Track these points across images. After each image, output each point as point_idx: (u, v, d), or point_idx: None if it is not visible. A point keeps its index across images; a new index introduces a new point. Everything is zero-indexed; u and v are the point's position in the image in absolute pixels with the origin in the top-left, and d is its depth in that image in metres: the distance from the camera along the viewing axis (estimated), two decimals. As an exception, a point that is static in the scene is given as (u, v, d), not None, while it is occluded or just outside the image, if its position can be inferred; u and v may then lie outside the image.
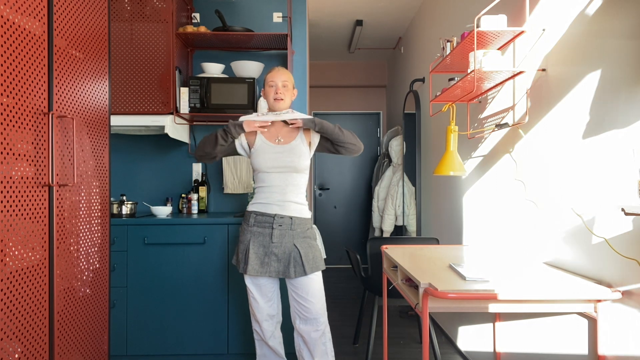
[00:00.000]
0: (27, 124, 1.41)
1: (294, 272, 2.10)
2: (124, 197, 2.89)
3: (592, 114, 1.59)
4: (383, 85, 6.03)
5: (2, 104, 1.30)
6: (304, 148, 2.17)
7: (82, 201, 1.76)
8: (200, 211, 3.22)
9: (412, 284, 1.78)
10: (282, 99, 2.15)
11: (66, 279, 1.64)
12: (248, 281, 2.20)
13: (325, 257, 2.57)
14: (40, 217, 1.48)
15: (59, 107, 1.59)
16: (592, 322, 1.59)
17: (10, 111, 1.33)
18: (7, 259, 1.31)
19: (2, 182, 1.30)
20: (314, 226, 2.53)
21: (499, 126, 2.19)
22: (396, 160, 4.36)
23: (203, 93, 2.90)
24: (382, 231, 4.45)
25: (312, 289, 2.13)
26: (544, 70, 1.89)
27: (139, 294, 2.70)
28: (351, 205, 5.99)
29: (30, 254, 1.43)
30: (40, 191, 1.48)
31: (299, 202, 2.17)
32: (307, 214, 2.19)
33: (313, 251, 2.15)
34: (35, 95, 1.45)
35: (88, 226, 1.82)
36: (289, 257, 2.11)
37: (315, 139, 2.22)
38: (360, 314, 3.11)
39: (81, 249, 1.76)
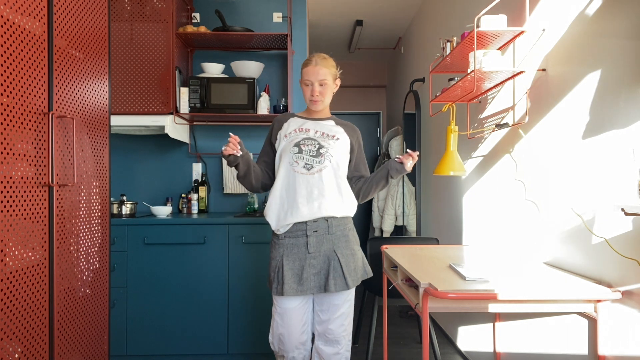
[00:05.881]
0: (27, 124, 1.41)
1: (334, 285, 1.80)
2: (124, 197, 2.89)
3: (592, 114, 1.59)
4: (383, 85, 6.03)
5: (2, 104, 1.29)
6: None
7: (82, 201, 1.76)
8: (200, 211, 3.22)
9: (412, 284, 1.78)
10: (319, 101, 1.89)
11: (66, 279, 1.64)
12: (281, 304, 1.84)
13: None
14: (40, 217, 1.48)
15: (59, 107, 1.59)
16: (592, 322, 1.58)
17: (10, 111, 1.33)
18: (7, 259, 1.31)
19: (2, 182, 1.30)
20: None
21: (499, 126, 2.19)
22: (396, 160, 4.35)
23: (203, 93, 2.90)
24: (382, 231, 4.44)
25: (341, 307, 1.86)
26: (544, 70, 1.89)
27: (139, 294, 2.70)
28: (351, 205, 5.98)
29: (30, 254, 1.43)
30: (40, 191, 1.48)
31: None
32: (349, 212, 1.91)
33: (355, 260, 1.89)
34: (35, 95, 1.45)
35: (88, 226, 1.81)
36: (328, 267, 1.83)
37: (354, 146, 1.99)
38: (360, 314, 3.10)
39: (81, 249, 1.76)
